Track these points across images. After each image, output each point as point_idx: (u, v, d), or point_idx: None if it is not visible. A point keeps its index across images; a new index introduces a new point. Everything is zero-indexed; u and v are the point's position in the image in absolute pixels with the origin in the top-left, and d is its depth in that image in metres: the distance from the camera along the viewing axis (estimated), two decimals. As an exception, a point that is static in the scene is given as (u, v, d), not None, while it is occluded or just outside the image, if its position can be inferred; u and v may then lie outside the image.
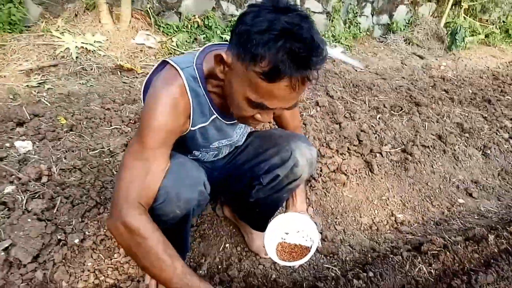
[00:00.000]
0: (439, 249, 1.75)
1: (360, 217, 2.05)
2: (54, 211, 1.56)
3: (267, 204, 1.50)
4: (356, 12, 4.55)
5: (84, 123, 2.14)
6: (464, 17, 5.24)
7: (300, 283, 1.57)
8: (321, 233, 1.86)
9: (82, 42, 2.93)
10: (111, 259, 1.51)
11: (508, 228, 1.94)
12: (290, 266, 1.64)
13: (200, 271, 1.57)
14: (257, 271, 1.62)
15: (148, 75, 1.14)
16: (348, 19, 4.52)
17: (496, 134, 2.90)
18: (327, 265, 1.68)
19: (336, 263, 1.71)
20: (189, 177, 1.11)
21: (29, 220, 1.47)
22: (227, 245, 1.73)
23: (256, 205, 1.50)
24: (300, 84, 0.86)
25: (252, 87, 0.88)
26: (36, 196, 1.58)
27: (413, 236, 1.94)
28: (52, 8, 3.14)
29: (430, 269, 1.65)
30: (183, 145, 1.17)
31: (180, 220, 1.15)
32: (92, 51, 2.96)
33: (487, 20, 5.66)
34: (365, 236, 1.93)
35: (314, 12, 4.29)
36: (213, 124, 1.16)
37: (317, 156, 1.41)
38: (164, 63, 1.09)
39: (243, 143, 1.45)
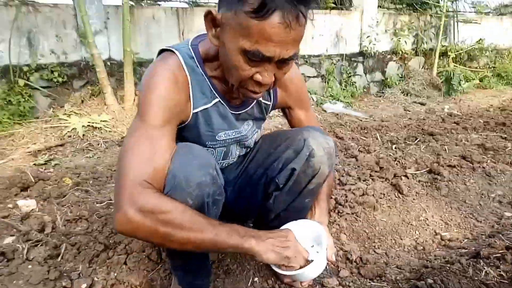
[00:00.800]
0: (502, 251, 1.50)
1: (401, 239, 1.81)
2: (59, 259, 1.39)
3: (289, 218, 1.31)
4: (349, 72, 4.76)
5: (91, 181, 2.06)
6: (454, 65, 5.46)
7: (349, 307, 1.31)
8: (361, 258, 1.62)
9: (88, 122, 3.01)
10: (122, 303, 1.29)
11: None
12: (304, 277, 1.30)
13: (227, 309, 1.33)
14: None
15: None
16: (343, 79, 4.70)
17: (522, 149, 2.75)
18: (376, 284, 1.42)
19: (386, 284, 1.45)
20: (198, 158, 0.98)
21: (29, 266, 1.30)
22: (255, 279, 1.49)
23: (278, 221, 1.32)
24: (293, 20, 0.79)
25: (244, 33, 0.81)
26: (38, 245, 1.43)
27: (467, 250, 1.68)
28: (60, 98, 3.31)
29: (499, 271, 1.38)
30: (187, 140, 1.07)
31: None
32: (99, 128, 3.02)
33: (476, 67, 5.88)
34: (412, 256, 1.68)
35: (309, 77, 4.50)
36: (216, 109, 1.08)
37: (335, 148, 1.27)
38: (159, 53, 1.05)
39: (253, 148, 1.34)
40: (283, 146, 1.23)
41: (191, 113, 1.03)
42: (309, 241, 1.26)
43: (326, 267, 1.27)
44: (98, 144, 2.84)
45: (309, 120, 1.40)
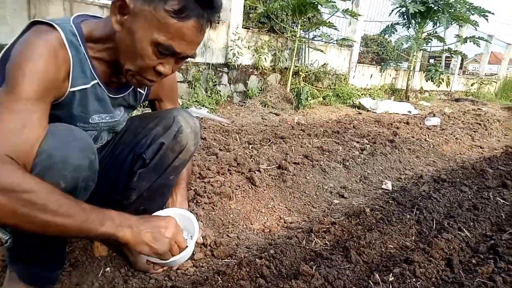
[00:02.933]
0: (328, 226, 1.82)
1: (251, 224, 2.02)
2: None
3: (152, 197, 1.35)
4: (215, 81, 4.99)
5: None
6: (304, 84, 6.27)
7: (200, 281, 1.39)
8: (215, 242, 1.73)
9: None
10: None
11: (381, 206, 2.17)
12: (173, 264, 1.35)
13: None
14: (149, 285, 1.38)
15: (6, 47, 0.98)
16: (209, 87, 4.91)
17: (349, 152, 3.35)
18: (225, 261, 1.55)
19: (235, 260, 1.59)
20: (79, 140, 0.94)
21: None
22: (107, 269, 1.45)
23: (140, 202, 1.34)
24: (205, 25, 0.93)
25: (161, 28, 0.89)
26: None
27: (303, 228, 1.98)
28: None
29: (325, 240, 1.68)
30: (56, 119, 1.00)
31: None
32: None
33: (321, 87, 6.88)
34: (260, 237, 1.88)
35: (177, 82, 4.54)
36: (94, 91, 1.05)
37: (200, 128, 1.36)
38: (31, 25, 0.96)
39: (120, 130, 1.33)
40: (153, 124, 1.26)
41: (68, 91, 0.98)
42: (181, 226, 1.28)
43: (193, 252, 1.33)
44: None
45: (174, 105, 1.48)
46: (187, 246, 1.13)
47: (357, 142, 3.73)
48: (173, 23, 0.89)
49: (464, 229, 1.87)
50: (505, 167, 3.30)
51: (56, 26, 0.94)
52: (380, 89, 8.62)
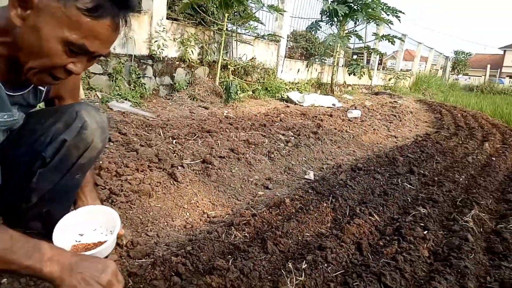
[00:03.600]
0: (248, 218, 1.84)
1: (173, 221, 1.96)
2: None
3: (56, 199, 1.24)
4: (139, 74, 4.77)
5: None
6: (233, 77, 6.27)
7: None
8: (131, 242, 1.65)
9: None
10: None
11: (301, 196, 2.24)
12: None
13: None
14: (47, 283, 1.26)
15: None
16: (132, 79, 4.67)
17: (275, 144, 3.42)
18: (142, 261, 1.48)
19: (153, 259, 1.53)
20: None
21: None
22: (3, 280, 1.30)
23: (41, 204, 1.22)
24: (120, 24, 0.90)
25: (72, 27, 0.84)
26: None
27: (225, 222, 1.97)
28: None
29: (244, 233, 1.69)
30: None
31: None
32: None
33: (250, 81, 6.94)
34: (181, 234, 1.84)
35: (94, 74, 4.26)
36: None
37: (109, 123, 1.27)
38: None
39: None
40: (52, 120, 1.14)
41: None
42: (91, 227, 1.31)
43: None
44: None
45: (75, 99, 1.37)
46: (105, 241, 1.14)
47: (283, 134, 3.83)
48: (86, 22, 0.84)
49: (374, 214, 2.01)
50: (413, 155, 3.63)
51: None
52: (307, 83, 8.94)
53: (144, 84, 4.84)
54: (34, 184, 1.16)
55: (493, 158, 3.86)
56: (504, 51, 42.82)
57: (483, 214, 2.18)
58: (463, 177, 2.96)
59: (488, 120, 7.63)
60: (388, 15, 8.62)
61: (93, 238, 1.31)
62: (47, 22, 0.84)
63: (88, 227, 1.33)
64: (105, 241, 1.21)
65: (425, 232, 1.82)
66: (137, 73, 4.72)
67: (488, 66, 29.68)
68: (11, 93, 1.02)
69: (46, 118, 1.18)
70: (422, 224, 1.92)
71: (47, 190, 1.20)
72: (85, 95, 3.91)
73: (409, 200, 2.37)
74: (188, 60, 5.50)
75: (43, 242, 0.83)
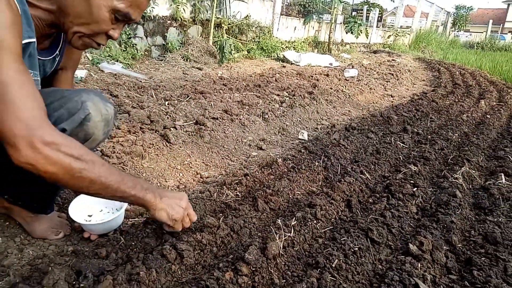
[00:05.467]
0: (241, 178, 1.86)
1: (166, 181, 1.98)
2: None
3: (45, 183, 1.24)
4: (129, 34, 4.63)
5: None
6: (227, 36, 6.10)
7: (102, 243, 1.35)
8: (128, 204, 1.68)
9: None
10: None
11: (293, 155, 2.25)
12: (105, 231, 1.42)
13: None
14: (48, 251, 1.30)
15: None
16: (123, 40, 4.54)
17: (269, 105, 3.40)
18: (134, 220, 1.51)
19: (146, 218, 1.56)
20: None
21: None
22: (-1, 239, 1.33)
23: (33, 180, 1.21)
24: None
25: None
26: None
27: (218, 182, 1.99)
28: None
29: (236, 192, 1.71)
30: None
31: None
32: None
33: (245, 40, 6.76)
34: (174, 194, 1.86)
35: (84, 34, 4.13)
36: (31, 46, 0.96)
37: (115, 115, 1.24)
38: None
39: None
40: (57, 104, 1.10)
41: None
42: (97, 207, 1.44)
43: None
44: None
45: (71, 82, 1.38)
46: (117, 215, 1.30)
47: (278, 95, 3.78)
48: None
49: (366, 172, 2.03)
50: (408, 114, 3.62)
51: None
52: (304, 41, 8.73)
53: (136, 44, 4.72)
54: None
55: (488, 116, 3.86)
56: (508, 5, 41.57)
57: (473, 171, 2.21)
58: (456, 135, 2.97)
59: (487, 78, 7.55)
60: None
61: (100, 218, 1.41)
62: None
63: (95, 208, 1.44)
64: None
65: (415, 189, 1.85)
66: (127, 33, 4.59)
67: (490, 21, 28.92)
68: (40, 57, 1.07)
69: (51, 99, 1.14)
70: (412, 182, 1.95)
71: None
72: (75, 57, 3.81)
73: (401, 158, 2.39)
74: (180, 19, 5.32)
75: (138, 177, 1.06)
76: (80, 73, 3.41)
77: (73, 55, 1.28)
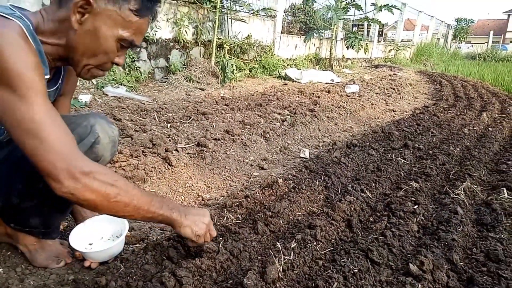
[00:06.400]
0: (241, 200, 1.87)
1: (168, 205, 2.00)
2: None
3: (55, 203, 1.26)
4: (133, 57, 4.73)
5: None
6: (229, 56, 6.20)
7: (102, 272, 1.36)
8: (129, 230, 1.69)
9: None
10: None
11: (294, 175, 2.27)
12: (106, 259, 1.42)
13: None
14: (49, 281, 1.31)
15: None
16: (127, 64, 4.64)
17: (270, 123, 3.43)
18: (137, 246, 1.52)
19: (146, 244, 1.57)
20: None
21: None
22: (0, 270, 1.35)
23: (44, 204, 1.24)
24: (153, 18, 1.07)
25: (126, 26, 1.00)
26: None
27: (219, 204, 2.01)
28: None
29: (236, 214, 1.72)
30: None
31: None
32: None
33: (247, 59, 6.86)
34: (175, 218, 1.88)
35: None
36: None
37: (119, 135, 1.33)
38: None
39: None
40: None
41: None
42: (98, 235, 1.46)
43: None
44: None
45: (69, 107, 1.43)
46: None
47: (279, 113, 3.83)
48: (136, 20, 1.00)
49: (366, 190, 2.03)
50: (409, 129, 3.63)
51: (10, 17, 0.92)
52: (305, 58, 8.83)
53: (139, 67, 4.81)
54: (38, 190, 1.17)
55: (490, 129, 3.85)
56: (508, 16, 41.81)
57: (475, 186, 2.20)
58: (458, 149, 2.97)
59: (489, 89, 7.55)
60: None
61: (101, 246, 1.42)
62: (105, 24, 0.98)
63: (96, 236, 1.45)
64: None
65: (416, 206, 1.85)
66: (131, 56, 4.69)
67: (491, 32, 29.09)
68: (48, 89, 1.10)
69: None
70: (413, 199, 1.95)
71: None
72: (79, 82, 3.90)
73: (402, 175, 2.39)
74: (182, 41, 5.43)
75: (162, 197, 1.12)
76: (85, 97, 3.48)
77: (71, 81, 1.33)
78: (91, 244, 1.44)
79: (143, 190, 1.11)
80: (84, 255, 1.36)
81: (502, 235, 1.63)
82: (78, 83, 3.88)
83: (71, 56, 1.04)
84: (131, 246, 1.55)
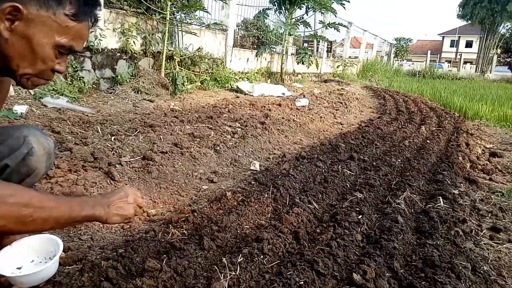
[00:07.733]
0: (188, 214, 1.81)
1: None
2: None
3: None
4: (76, 67, 4.51)
5: None
6: (179, 68, 6.11)
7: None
8: (64, 251, 1.57)
9: None
10: None
11: (243, 188, 2.25)
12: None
13: None
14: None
15: None
16: (69, 73, 4.40)
17: (221, 136, 3.40)
18: (70, 268, 1.41)
19: (82, 265, 1.46)
20: None
21: None
22: None
23: None
24: (93, 22, 1.02)
25: (62, 31, 0.94)
26: None
27: (165, 220, 1.93)
28: None
29: (182, 230, 1.66)
30: None
31: None
32: None
33: (198, 71, 6.81)
34: (117, 236, 1.77)
35: (26, 68, 3.95)
36: None
37: (55, 148, 1.24)
38: None
39: None
40: None
41: None
42: (28, 258, 1.29)
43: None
44: None
45: None
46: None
47: (230, 126, 3.81)
48: (73, 26, 0.95)
49: (314, 202, 2.06)
50: (355, 141, 3.77)
51: None
52: (257, 72, 8.95)
53: (83, 77, 4.59)
54: None
55: (428, 141, 4.11)
56: (443, 37, 45.63)
57: (415, 196, 2.32)
58: (399, 160, 3.12)
59: (427, 104, 8.11)
60: (332, 3, 8.82)
61: (31, 269, 1.27)
62: (39, 30, 0.92)
63: (25, 259, 1.30)
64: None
65: (360, 216, 1.91)
66: (74, 66, 4.46)
67: (429, 52, 31.52)
68: None
69: None
70: (357, 209, 2.00)
71: None
72: (15, 92, 3.63)
73: (348, 186, 2.46)
74: (130, 51, 5.28)
75: (82, 197, 1.07)
76: (20, 108, 3.24)
77: (3, 89, 1.23)
78: (19, 268, 1.31)
79: (60, 196, 1.03)
80: (10, 280, 1.23)
81: (438, 242, 1.72)
82: (13, 93, 3.62)
83: (7, 66, 0.97)
84: (66, 267, 1.43)
